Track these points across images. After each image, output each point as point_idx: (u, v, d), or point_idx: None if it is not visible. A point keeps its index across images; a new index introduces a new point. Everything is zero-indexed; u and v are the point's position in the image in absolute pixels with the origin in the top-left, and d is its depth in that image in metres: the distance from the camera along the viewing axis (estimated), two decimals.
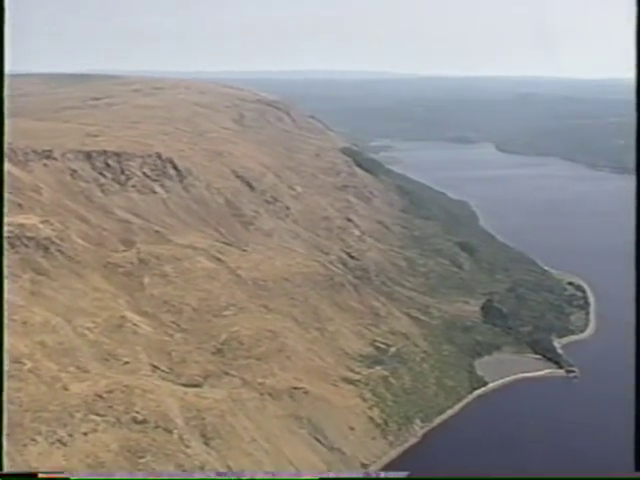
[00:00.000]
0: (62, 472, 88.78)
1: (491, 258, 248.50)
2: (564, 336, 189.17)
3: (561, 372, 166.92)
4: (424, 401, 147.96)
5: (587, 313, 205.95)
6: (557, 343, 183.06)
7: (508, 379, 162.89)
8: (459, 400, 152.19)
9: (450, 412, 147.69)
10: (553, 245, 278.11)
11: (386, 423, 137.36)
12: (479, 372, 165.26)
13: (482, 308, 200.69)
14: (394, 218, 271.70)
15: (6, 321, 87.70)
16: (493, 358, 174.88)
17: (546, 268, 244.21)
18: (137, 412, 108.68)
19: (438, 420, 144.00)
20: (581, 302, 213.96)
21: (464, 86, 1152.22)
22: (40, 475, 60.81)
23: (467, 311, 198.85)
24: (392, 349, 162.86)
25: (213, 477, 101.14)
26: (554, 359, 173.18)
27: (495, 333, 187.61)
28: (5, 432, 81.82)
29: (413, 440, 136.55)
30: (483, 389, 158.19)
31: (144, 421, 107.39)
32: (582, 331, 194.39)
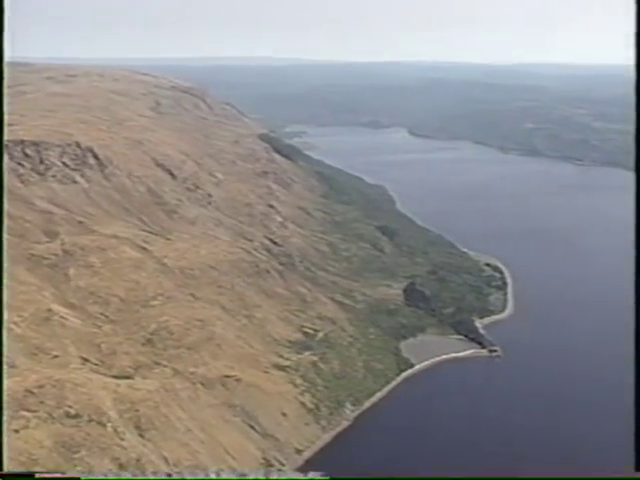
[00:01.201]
0: (62, 472, 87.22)
1: (411, 242, 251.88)
2: (485, 316, 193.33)
3: (484, 352, 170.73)
4: (354, 385, 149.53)
5: (505, 293, 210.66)
6: (479, 323, 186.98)
7: (434, 360, 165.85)
8: (387, 383, 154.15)
9: (379, 395, 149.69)
10: (469, 227, 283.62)
11: (318, 408, 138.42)
12: (405, 354, 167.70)
13: (405, 291, 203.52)
14: (315, 204, 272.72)
15: None
16: (418, 340, 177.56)
17: (464, 250, 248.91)
18: (69, 406, 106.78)
19: (368, 403, 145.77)
20: (499, 283, 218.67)
21: (376, 72, 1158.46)
22: (39, 475, 59.98)
23: (390, 294, 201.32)
24: (320, 334, 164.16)
25: (215, 477, 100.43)
26: (477, 339, 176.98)
27: (418, 315, 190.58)
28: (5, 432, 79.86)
29: (345, 424, 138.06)
30: (410, 371, 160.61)
31: (77, 415, 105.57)
32: (501, 311, 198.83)
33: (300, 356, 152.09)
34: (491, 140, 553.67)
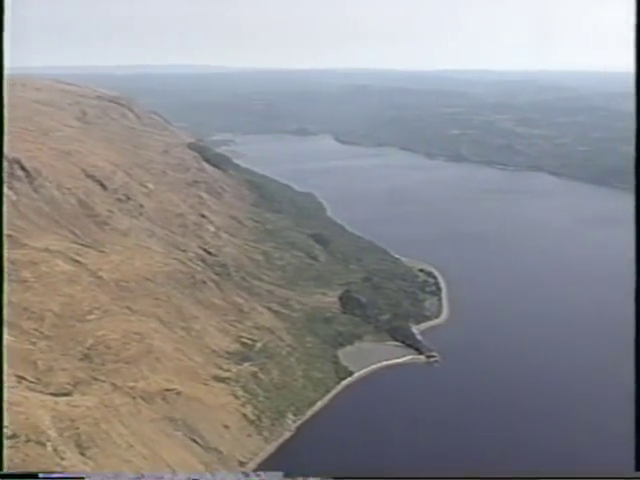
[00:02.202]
0: (62, 472, 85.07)
1: (344, 249, 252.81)
2: (421, 322, 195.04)
3: (422, 358, 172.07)
4: (294, 395, 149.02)
5: (440, 298, 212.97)
6: (415, 329, 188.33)
7: (372, 368, 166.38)
8: (327, 391, 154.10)
9: (320, 404, 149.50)
10: (399, 233, 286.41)
11: (259, 419, 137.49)
12: (344, 362, 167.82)
13: (340, 299, 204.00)
14: (246, 212, 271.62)
15: None
16: (355, 347, 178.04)
17: (397, 256, 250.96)
18: (6, 427, 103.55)
19: (309, 413, 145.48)
20: (433, 288, 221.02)
21: (302, 79, 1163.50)
22: (40, 475, 61.04)
23: (326, 302, 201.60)
24: (258, 344, 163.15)
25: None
26: (414, 345, 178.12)
27: (355, 323, 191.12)
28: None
29: (287, 434, 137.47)
30: (349, 379, 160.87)
31: (14, 436, 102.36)
32: (437, 316, 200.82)
33: (240, 367, 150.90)
34: (417, 146, 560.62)
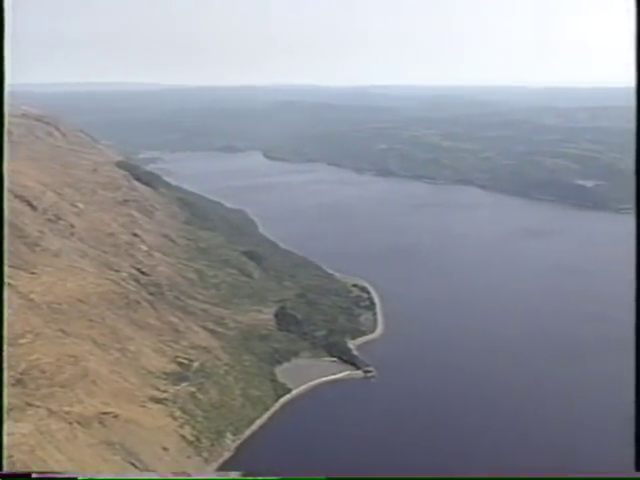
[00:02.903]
0: (61, 472, 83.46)
1: (277, 265, 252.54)
2: (357, 337, 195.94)
3: (359, 373, 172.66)
4: (233, 414, 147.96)
5: (374, 313, 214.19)
6: (351, 345, 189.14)
7: (310, 384, 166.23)
8: (266, 409, 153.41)
9: (259, 422, 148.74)
10: (331, 248, 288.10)
11: (198, 440, 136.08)
12: (281, 380, 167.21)
13: (276, 316, 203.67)
14: (178, 231, 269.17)
15: None
16: (292, 364, 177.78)
17: (330, 272, 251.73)
18: None
19: (248, 432, 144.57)
20: (367, 303, 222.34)
21: (230, 96, 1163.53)
22: (37, 475, 63.64)
23: (262, 320, 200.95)
24: (195, 364, 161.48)
25: (217, 477, 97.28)
26: (351, 361, 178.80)
27: (291, 339, 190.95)
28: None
29: (227, 455, 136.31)
30: (288, 396, 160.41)
31: None
32: (372, 331, 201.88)
33: (177, 387, 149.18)
34: (345, 161, 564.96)
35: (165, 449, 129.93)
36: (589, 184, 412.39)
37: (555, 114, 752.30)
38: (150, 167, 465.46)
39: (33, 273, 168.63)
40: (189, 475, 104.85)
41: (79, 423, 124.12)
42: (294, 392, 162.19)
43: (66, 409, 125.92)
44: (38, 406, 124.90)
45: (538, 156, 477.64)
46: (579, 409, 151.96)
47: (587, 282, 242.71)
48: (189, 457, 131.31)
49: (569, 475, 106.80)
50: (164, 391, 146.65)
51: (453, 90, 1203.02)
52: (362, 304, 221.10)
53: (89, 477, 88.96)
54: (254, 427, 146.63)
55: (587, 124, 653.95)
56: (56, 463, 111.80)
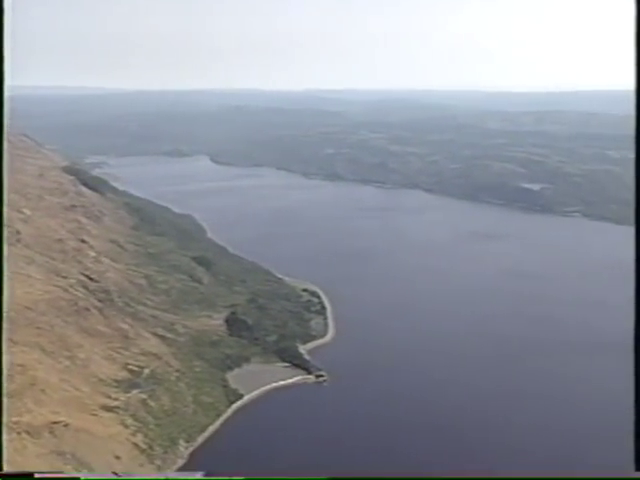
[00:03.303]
0: (62, 472, 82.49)
1: (227, 270, 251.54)
2: (308, 342, 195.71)
3: (311, 377, 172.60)
4: (185, 421, 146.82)
5: (325, 318, 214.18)
6: (303, 349, 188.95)
7: (262, 389, 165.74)
8: (219, 416, 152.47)
9: (212, 429, 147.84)
10: (281, 253, 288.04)
11: (151, 448, 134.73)
12: (233, 385, 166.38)
13: (226, 321, 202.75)
14: (127, 236, 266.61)
15: None
16: (244, 370, 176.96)
17: (280, 276, 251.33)
18: None
19: (201, 439, 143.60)
20: (318, 307, 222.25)
21: (176, 100, 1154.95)
22: (40, 475, 63.52)
23: (212, 325, 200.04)
24: (146, 371, 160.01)
25: (216, 477, 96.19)
26: (302, 365, 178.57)
27: (242, 345, 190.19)
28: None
29: (180, 462, 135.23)
30: (240, 402, 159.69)
31: None
32: (323, 336, 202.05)
33: (128, 395, 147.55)
34: (293, 166, 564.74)
35: (117, 457, 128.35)
36: (536, 187, 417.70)
37: (500, 118, 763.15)
38: (96, 172, 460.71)
39: None
40: (192, 475, 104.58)
41: (28, 433, 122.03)
42: (246, 398, 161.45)
43: (14, 419, 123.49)
44: None
45: (485, 160, 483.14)
46: (518, 406, 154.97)
47: (535, 285, 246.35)
48: (141, 465, 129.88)
49: (569, 475, 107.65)
50: (115, 399, 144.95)
51: (399, 94, 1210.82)
52: (313, 308, 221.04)
53: (89, 477, 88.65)
54: (207, 433, 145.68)
55: (532, 128, 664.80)
56: None
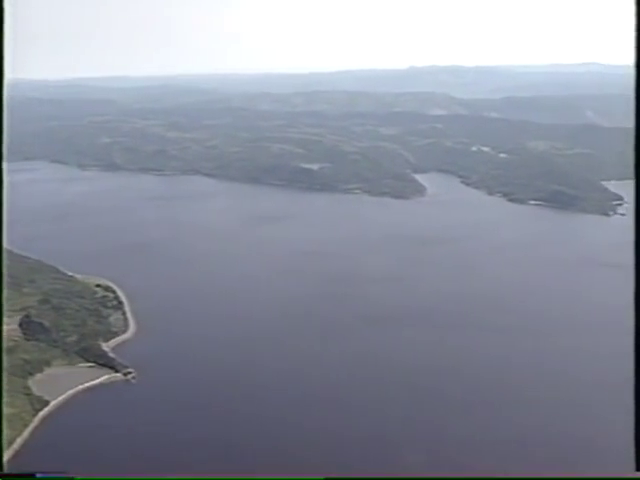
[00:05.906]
0: (62, 472, 73.98)
1: (13, 271, 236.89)
2: (110, 339, 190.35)
3: (119, 376, 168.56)
4: None
5: (124, 313, 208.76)
6: (106, 347, 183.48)
7: (69, 393, 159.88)
8: (26, 426, 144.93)
9: (20, 441, 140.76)
10: (68, 249, 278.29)
11: None
12: (37, 392, 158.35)
13: (20, 325, 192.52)
14: None
15: None
16: (46, 375, 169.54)
17: (70, 274, 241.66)
18: None
19: (11, 451, 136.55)
20: (115, 303, 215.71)
21: None
22: (40, 475, 65.81)
23: (5, 331, 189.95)
24: None
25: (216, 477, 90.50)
26: (108, 364, 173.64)
27: (41, 349, 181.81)
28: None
29: None
30: (47, 409, 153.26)
31: None
32: (125, 331, 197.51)
33: None
34: (68, 158, 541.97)
35: None
36: (315, 167, 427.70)
37: (272, 99, 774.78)
38: None
39: None
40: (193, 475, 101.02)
41: None
42: (53, 404, 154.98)
43: None
44: None
45: (263, 142, 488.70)
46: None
47: (326, 263, 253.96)
48: None
49: (569, 475, 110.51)
50: None
51: (169, 80, 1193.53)
52: (109, 304, 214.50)
53: (90, 477, 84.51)
54: (16, 446, 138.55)
55: (304, 108, 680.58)
56: None
